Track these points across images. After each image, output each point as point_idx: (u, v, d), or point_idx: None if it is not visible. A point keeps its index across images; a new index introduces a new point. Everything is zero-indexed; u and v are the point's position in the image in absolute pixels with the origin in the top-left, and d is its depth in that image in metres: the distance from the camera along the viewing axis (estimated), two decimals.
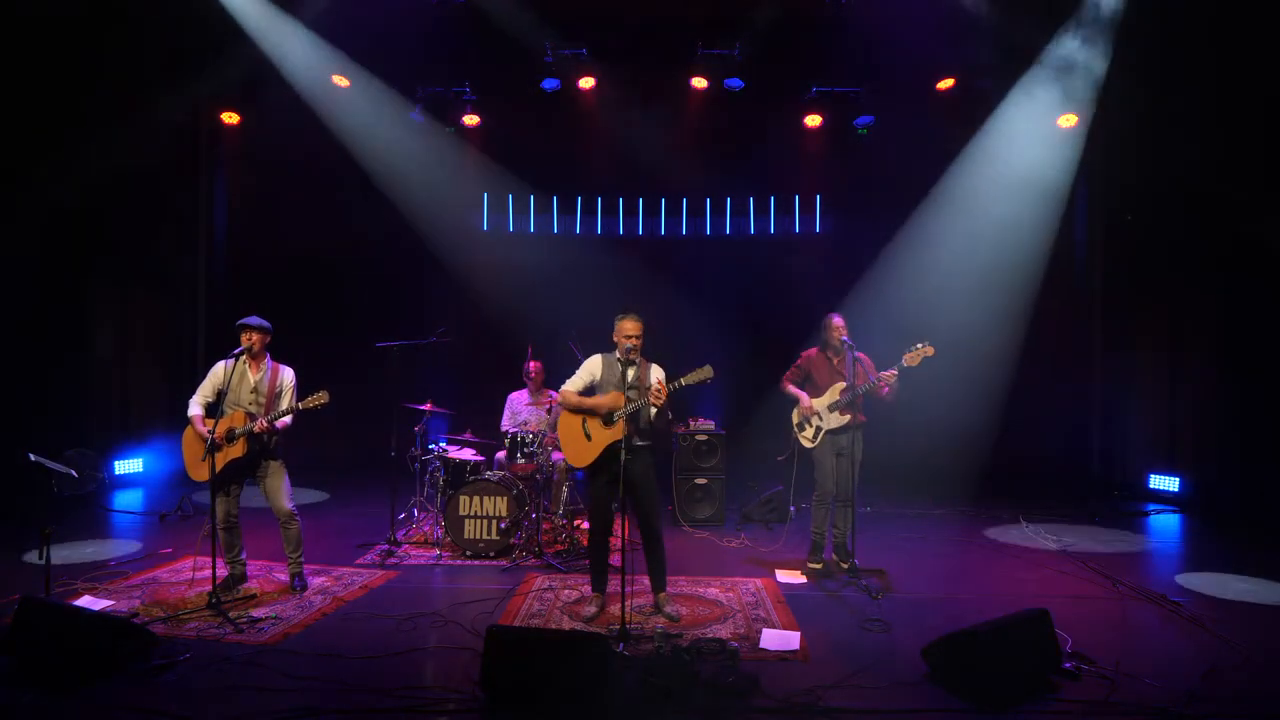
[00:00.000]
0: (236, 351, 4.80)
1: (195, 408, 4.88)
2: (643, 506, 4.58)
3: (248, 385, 4.90)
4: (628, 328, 4.53)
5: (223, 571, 4.93)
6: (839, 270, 9.59)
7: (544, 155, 9.76)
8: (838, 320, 5.44)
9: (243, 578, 5.04)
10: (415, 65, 8.78)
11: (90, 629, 3.73)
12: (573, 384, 4.68)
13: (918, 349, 5.10)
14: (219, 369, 4.92)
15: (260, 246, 9.43)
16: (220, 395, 4.79)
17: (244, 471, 4.92)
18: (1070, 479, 8.81)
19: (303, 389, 4.99)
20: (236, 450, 4.77)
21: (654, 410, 4.48)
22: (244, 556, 5.07)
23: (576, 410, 4.62)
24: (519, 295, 9.78)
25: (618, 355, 4.59)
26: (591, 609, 4.63)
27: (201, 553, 4.91)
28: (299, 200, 9.33)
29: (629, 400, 4.44)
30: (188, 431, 4.89)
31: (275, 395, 4.94)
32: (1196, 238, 7.94)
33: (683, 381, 4.42)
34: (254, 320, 4.94)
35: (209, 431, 4.65)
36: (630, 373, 4.50)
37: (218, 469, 4.65)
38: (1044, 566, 5.80)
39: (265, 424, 4.77)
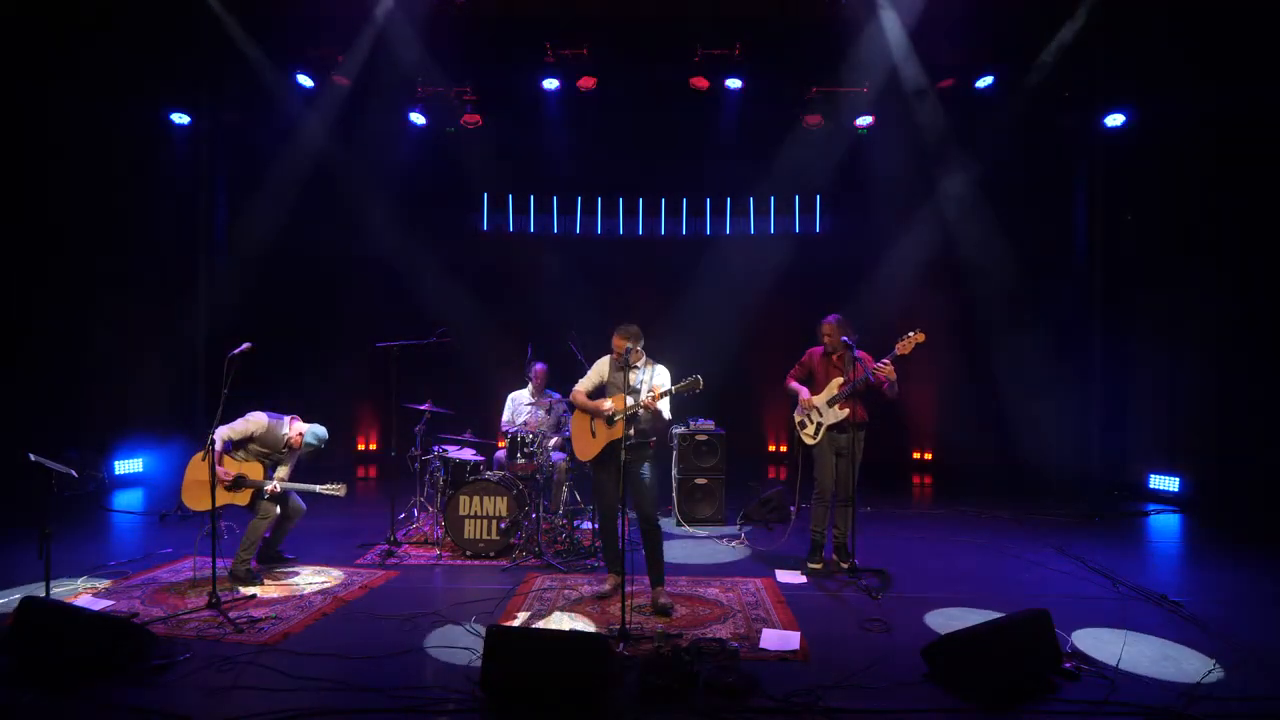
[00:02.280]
0: (291, 435, 5.18)
1: (220, 442, 5.03)
2: (636, 495, 4.81)
3: (275, 439, 5.20)
4: (614, 343, 4.88)
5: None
6: (839, 270, 9.60)
7: (544, 155, 9.76)
8: (829, 322, 5.45)
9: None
10: (416, 65, 8.78)
11: (90, 629, 3.74)
12: (584, 385, 5.04)
13: (909, 336, 5.18)
14: (261, 424, 5.16)
15: (260, 247, 9.43)
16: (247, 439, 5.12)
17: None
18: (1070, 479, 8.81)
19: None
20: (241, 498, 5.07)
21: (650, 413, 4.75)
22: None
23: (584, 411, 4.97)
24: (519, 295, 9.79)
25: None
26: (606, 586, 4.95)
27: (201, 553, 4.93)
28: (299, 200, 9.33)
29: (629, 405, 4.64)
30: (198, 458, 5.02)
31: (289, 451, 5.29)
32: (1196, 237, 7.95)
33: (673, 390, 4.68)
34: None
35: (223, 472, 4.97)
36: (632, 376, 4.74)
37: (217, 504, 4.82)
38: (1044, 566, 5.80)
39: (276, 488, 5.08)
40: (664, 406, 4.75)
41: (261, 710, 3.36)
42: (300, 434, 5.23)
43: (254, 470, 5.10)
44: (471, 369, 9.31)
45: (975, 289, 9.45)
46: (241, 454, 5.15)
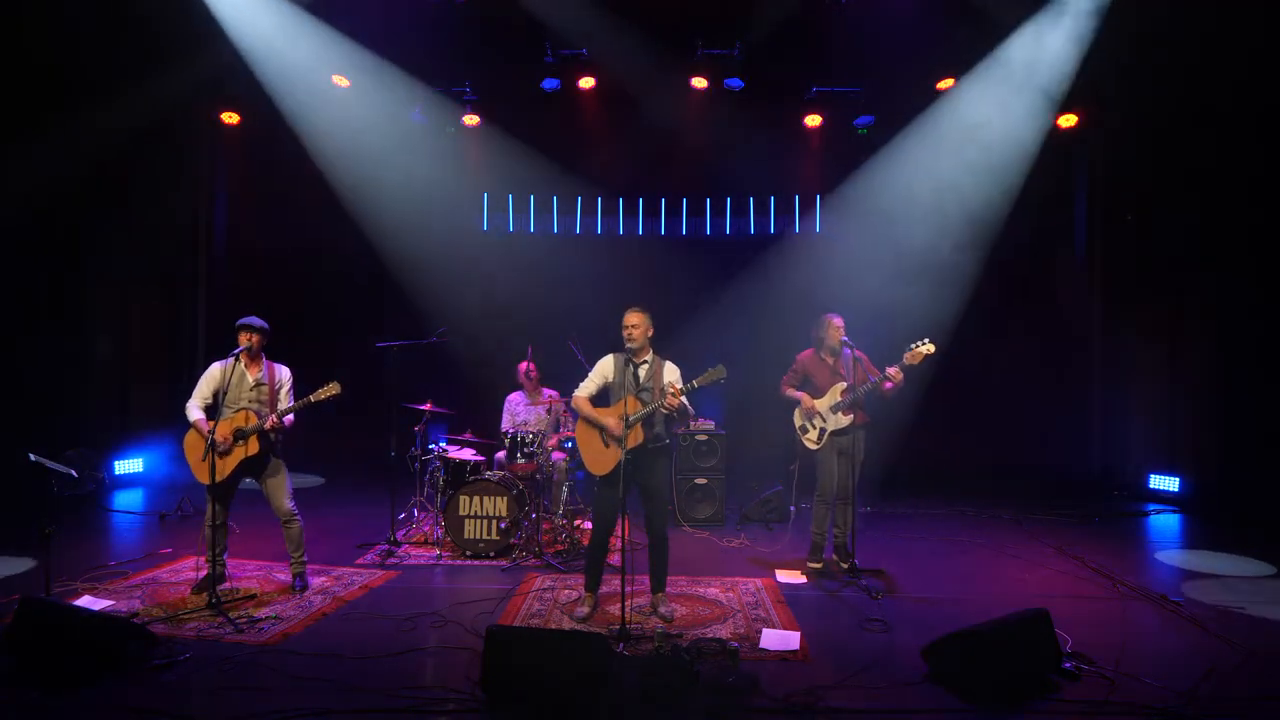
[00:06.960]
0: (235, 352, 4.81)
1: (196, 411, 4.85)
2: (651, 508, 4.58)
3: (248, 384, 4.92)
4: (625, 319, 4.52)
5: (202, 571, 4.95)
6: (839, 270, 9.59)
7: (544, 155, 9.74)
8: (838, 321, 5.44)
9: (222, 577, 4.98)
10: (416, 65, 8.78)
11: (90, 629, 3.73)
12: (585, 389, 4.65)
13: (918, 347, 5.11)
14: (215, 370, 4.92)
15: (260, 246, 9.42)
16: (218, 396, 4.79)
17: (250, 470, 4.91)
18: (1070, 479, 8.80)
19: (304, 389, 5.00)
20: (249, 449, 4.78)
21: (674, 413, 4.44)
22: (225, 556, 5.04)
23: (589, 422, 4.59)
24: (519, 295, 9.78)
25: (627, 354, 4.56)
26: (584, 609, 4.61)
27: (202, 553, 4.93)
28: (299, 200, 9.32)
29: (642, 404, 4.39)
30: (190, 436, 4.87)
31: (275, 393, 4.97)
32: (1196, 237, 7.95)
33: (696, 383, 4.37)
34: (255, 320, 4.96)
35: (210, 432, 4.65)
36: (642, 372, 4.45)
37: (230, 469, 4.71)
38: (1044, 566, 5.80)
39: (276, 420, 4.78)
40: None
41: (261, 710, 3.36)
42: (272, 365, 4.98)
43: (242, 419, 4.80)
44: (472, 369, 9.30)
45: (974, 288, 9.43)
46: (229, 412, 4.82)
